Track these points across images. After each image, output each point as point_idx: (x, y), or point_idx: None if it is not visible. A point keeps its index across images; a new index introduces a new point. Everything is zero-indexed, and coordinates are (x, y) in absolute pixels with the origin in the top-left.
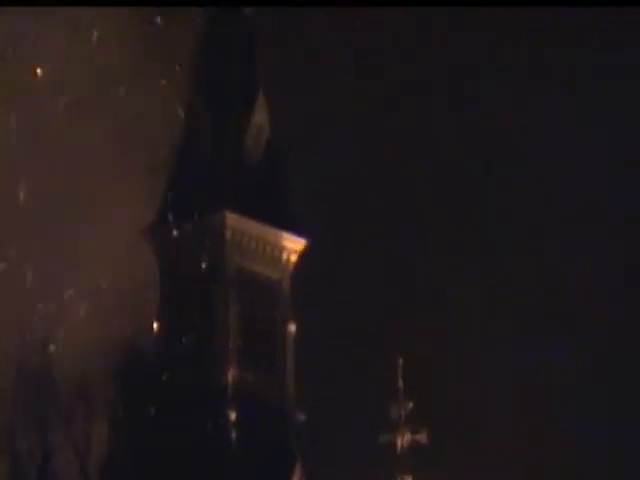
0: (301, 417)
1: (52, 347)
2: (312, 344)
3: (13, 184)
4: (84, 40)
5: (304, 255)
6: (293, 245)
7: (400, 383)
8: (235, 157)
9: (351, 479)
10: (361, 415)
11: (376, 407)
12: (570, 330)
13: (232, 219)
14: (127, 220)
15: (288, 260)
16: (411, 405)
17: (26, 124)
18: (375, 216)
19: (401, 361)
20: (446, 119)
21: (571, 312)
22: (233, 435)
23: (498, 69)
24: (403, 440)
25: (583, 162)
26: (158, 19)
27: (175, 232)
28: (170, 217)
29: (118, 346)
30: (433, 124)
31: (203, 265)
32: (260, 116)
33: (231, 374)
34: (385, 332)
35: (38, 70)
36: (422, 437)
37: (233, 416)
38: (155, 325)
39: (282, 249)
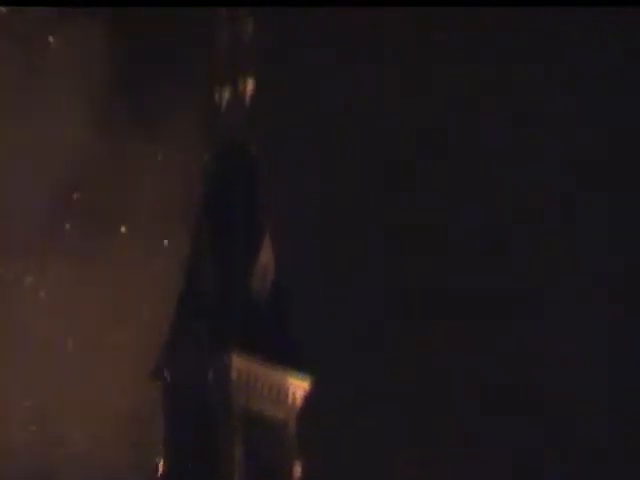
0: None
1: None
2: None
3: None
4: None
5: (310, 395)
6: (299, 385)
7: None
8: (240, 298)
9: None
10: None
11: None
12: None
13: (238, 360)
14: (134, 360)
15: (294, 400)
16: None
17: None
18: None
19: None
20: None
21: None
22: None
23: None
24: None
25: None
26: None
27: (180, 372)
28: (175, 358)
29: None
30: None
31: (209, 406)
32: (265, 256)
33: None
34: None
35: None
36: None
37: None
38: (160, 465)
39: (288, 389)
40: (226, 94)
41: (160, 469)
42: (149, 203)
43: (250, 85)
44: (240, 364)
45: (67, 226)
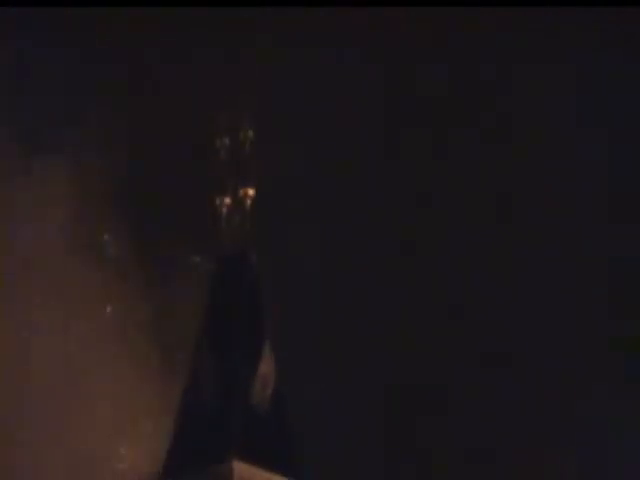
0: None
1: None
2: None
3: None
4: None
5: None
6: None
7: None
8: (241, 407)
9: None
10: None
11: None
12: None
13: (239, 468)
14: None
15: None
16: None
17: None
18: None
19: None
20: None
21: None
22: None
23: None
24: None
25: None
26: None
27: None
28: (176, 468)
29: None
30: None
31: None
32: (266, 367)
33: None
34: None
35: None
36: None
37: None
38: None
39: None
40: (226, 203)
41: None
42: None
43: (251, 192)
44: (242, 472)
45: None
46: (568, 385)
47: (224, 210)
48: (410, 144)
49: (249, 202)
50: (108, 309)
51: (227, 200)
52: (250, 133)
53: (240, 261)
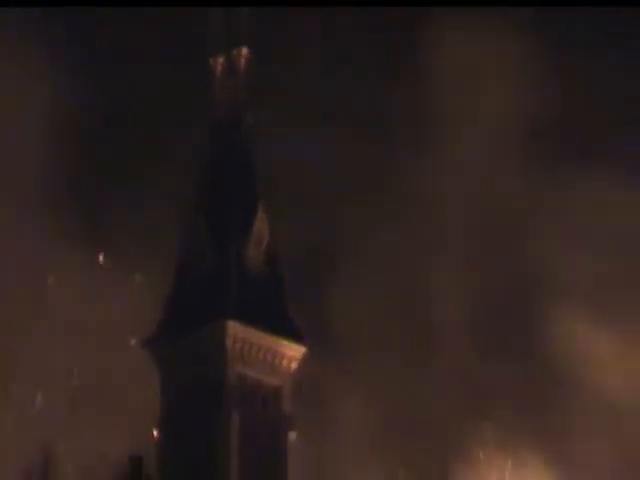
0: None
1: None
2: (312, 453)
3: None
4: None
5: (304, 362)
6: (293, 352)
7: None
8: (235, 267)
9: None
10: None
11: None
12: None
13: (233, 327)
14: (129, 330)
15: (288, 367)
16: None
17: None
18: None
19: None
20: None
21: None
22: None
23: None
24: None
25: None
26: None
27: (176, 341)
28: (171, 326)
29: (118, 455)
30: None
31: (204, 373)
32: (260, 227)
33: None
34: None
35: None
36: None
37: None
38: (155, 433)
39: (282, 356)
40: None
41: (156, 437)
42: None
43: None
44: (235, 331)
45: None
46: None
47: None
48: None
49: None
50: None
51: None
52: None
53: (235, 123)
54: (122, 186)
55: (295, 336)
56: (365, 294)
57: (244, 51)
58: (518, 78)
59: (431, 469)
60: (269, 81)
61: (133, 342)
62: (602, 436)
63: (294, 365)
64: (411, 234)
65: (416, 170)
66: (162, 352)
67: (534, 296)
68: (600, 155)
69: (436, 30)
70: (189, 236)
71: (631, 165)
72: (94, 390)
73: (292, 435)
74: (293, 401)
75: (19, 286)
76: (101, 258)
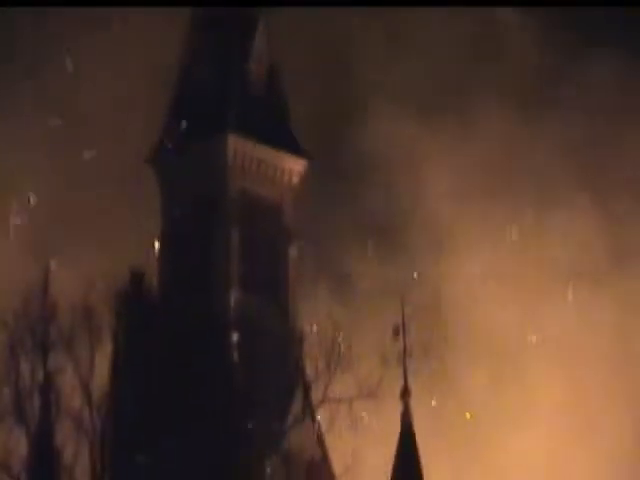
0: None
1: (53, 264)
2: (312, 266)
3: None
4: None
5: (305, 176)
6: (294, 166)
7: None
8: (237, 80)
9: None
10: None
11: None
12: None
13: (234, 141)
14: (129, 145)
15: (290, 181)
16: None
17: None
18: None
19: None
20: None
21: None
22: (235, 358)
23: None
24: None
25: None
26: None
27: (177, 156)
28: (172, 141)
29: (119, 268)
30: None
31: (205, 187)
32: (261, 41)
33: (233, 297)
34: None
35: None
36: None
37: (235, 339)
38: (156, 246)
39: (283, 170)
40: None
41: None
42: None
43: None
44: (236, 145)
45: None
46: None
47: None
48: None
49: None
50: None
51: None
52: None
53: None
54: None
55: (296, 150)
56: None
57: None
58: None
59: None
60: None
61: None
62: None
63: (295, 179)
64: None
65: None
66: (163, 167)
67: None
68: None
69: None
70: (189, 52)
71: None
72: (94, 204)
73: (293, 249)
74: (294, 215)
75: None
76: None
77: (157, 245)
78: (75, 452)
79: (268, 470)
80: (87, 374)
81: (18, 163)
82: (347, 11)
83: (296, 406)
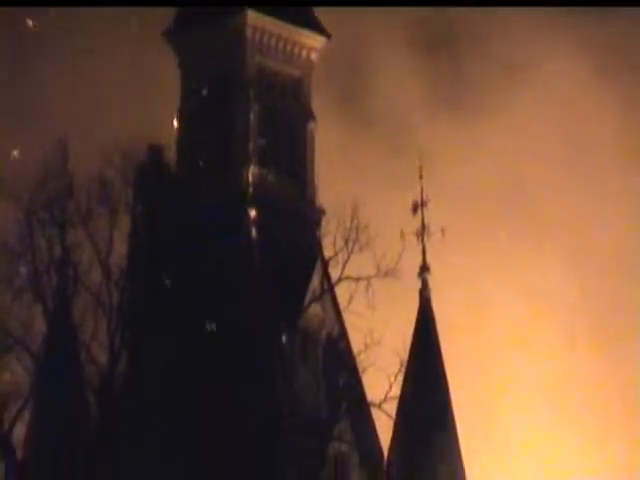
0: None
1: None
2: (331, 142)
3: None
4: None
5: (324, 53)
6: (314, 43)
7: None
8: None
9: None
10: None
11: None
12: None
13: (253, 17)
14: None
15: (308, 58)
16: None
17: None
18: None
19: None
20: None
21: None
22: (254, 234)
23: None
24: None
25: None
26: None
27: (195, 32)
28: (190, 17)
29: (137, 143)
30: None
31: (223, 63)
32: None
33: (251, 173)
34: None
35: None
36: None
37: (253, 215)
38: (175, 123)
39: (303, 46)
40: None
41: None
42: None
43: None
44: (255, 21)
45: None
46: None
47: None
48: None
49: None
50: None
51: None
52: None
53: None
54: None
55: (316, 27)
56: None
57: None
58: None
59: None
60: None
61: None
62: None
63: (314, 56)
64: None
65: None
66: (181, 43)
67: None
68: None
69: None
70: None
71: None
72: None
73: (311, 125)
74: (313, 92)
75: None
76: None
77: (176, 121)
78: (93, 328)
79: (286, 345)
80: (105, 249)
81: None
82: None
83: (314, 283)
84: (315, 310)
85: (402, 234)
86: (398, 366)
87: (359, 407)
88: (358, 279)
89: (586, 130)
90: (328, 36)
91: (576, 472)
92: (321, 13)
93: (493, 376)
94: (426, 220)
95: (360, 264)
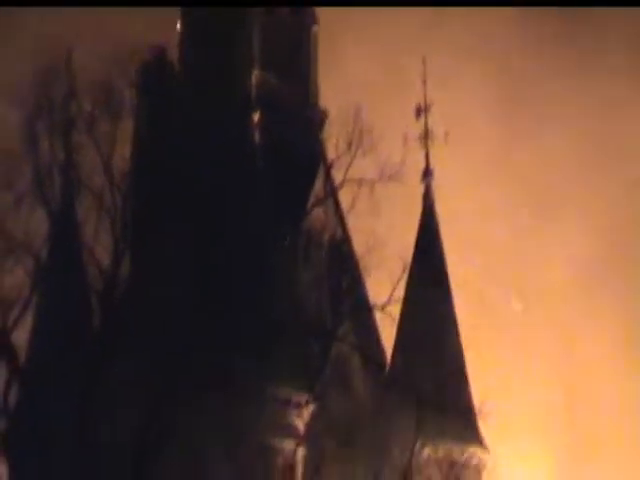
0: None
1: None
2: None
3: None
4: None
5: None
6: None
7: None
8: None
9: None
10: None
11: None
12: None
13: None
14: None
15: None
16: None
17: None
18: None
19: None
20: None
21: None
22: (257, 137)
23: None
24: None
25: None
26: None
27: None
28: None
29: (140, 46)
30: None
31: None
32: None
33: (255, 76)
34: None
35: None
36: None
37: (256, 118)
38: (178, 25)
39: None
40: None
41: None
42: None
43: None
44: None
45: None
46: None
47: None
48: None
49: None
50: None
51: None
52: None
53: None
54: None
55: None
56: None
57: None
58: None
59: None
60: None
61: None
62: None
63: None
64: None
65: None
66: None
67: None
68: None
69: None
70: None
71: None
72: None
73: (315, 28)
74: None
75: None
76: None
77: (179, 24)
78: (96, 230)
79: (289, 248)
80: (108, 152)
81: None
82: None
83: (317, 186)
84: (318, 213)
85: (405, 138)
86: (401, 269)
87: (362, 310)
88: (361, 182)
89: None
90: None
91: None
92: None
93: (496, 278)
94: (430, 125)
95: (363, 168)
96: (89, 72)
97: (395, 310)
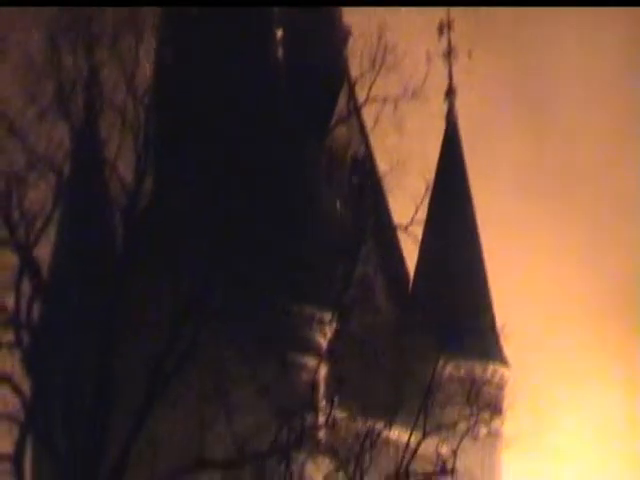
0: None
1: None
2: None
3: None
4: None
5: None
6: None
7: None
8: None
9: None
10: None
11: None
12: None
13: None
14: None
15: None
16: None
17: None
18: None
19: None
20: None
21: None
22: (280, 54)
23: None
24: None
25: None
26: None
27: None
28: None
29: None
30: None
31: None
32: None
33: None
34: None
35: None
36: None
37: (279, 35)
38: None
39: None
40: None
41: None
42: None
43: None
44: None
45: None
46: None
47: None
48: None
49: None
50: None
51: None
52: None
53: None
54: None
55: None
56: None
57: None
58: None
59: None
60: None
61: None
62: None
63: None
64: None
65: None
66: None
67: None
68: None
69: None
70: None
71: None
72: None
73: None
74: None
75: None
76: None
77: None
78: (119, 145)
79: (311, 166)
80: (131, 68)
81: None
82: None
83: (341, 104)
84: (341, 131)
85: (428, 55)
86: (424, 189)
87: (385, 230)
88: (385, 100)
89: None
90: None
91: None
92: None
93: (516, 194)
94: (453, 42)
95: (387, 86)
96: None
97: (418, 230)
